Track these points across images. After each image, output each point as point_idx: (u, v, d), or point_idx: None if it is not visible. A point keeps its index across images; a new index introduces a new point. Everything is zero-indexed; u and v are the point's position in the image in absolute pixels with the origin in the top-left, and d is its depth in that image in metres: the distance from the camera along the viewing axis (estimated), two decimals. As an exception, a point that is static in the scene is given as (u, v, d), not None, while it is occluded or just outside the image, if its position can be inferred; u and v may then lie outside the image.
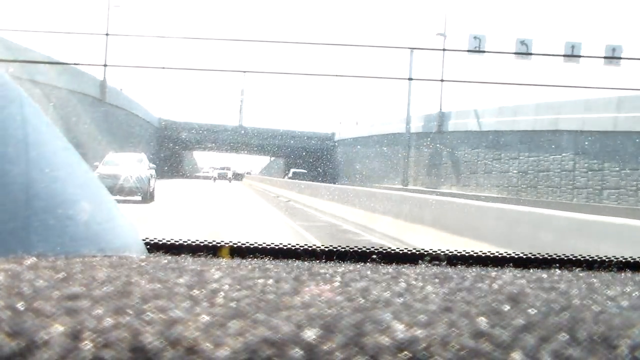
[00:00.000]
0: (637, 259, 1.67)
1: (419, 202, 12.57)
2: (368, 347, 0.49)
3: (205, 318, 0.53)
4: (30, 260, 0.78)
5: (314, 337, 0.51)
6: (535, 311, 0.65)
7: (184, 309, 0.56)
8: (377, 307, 0.62)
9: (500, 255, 1.72)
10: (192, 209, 19.50)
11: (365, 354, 0.49)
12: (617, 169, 20.80)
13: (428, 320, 0.57)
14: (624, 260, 1.66)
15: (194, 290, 0.66)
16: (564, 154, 21.22)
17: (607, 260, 1.66)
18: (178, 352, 0.47)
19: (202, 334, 0.49)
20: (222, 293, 0.65)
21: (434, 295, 0.73)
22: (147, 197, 20.34)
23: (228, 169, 48.16)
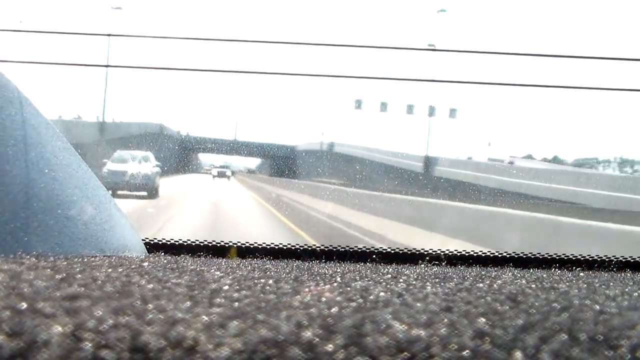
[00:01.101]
0: (637, 259, 1.66)
1: (301, 184, 26.42)
2: (368, 347, 0.49)
3: (205, 318, 0.53)
4: (30, 261, 0.78)
5: (314, 337, 0.51)
6: (535, 311, 0.65)
7: (183, 309, 0.56)
8: (377, 307, 0.62)
9: (500, 255, 1.72)
10: (196, 184, 33.71)
11: (365, 354, 0.49)
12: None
13: (428, 320, 0.57)
14: (624, 260, 1.66)
15: (194, 291, 0.66)
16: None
17: (607, 260, 1.66)
18: (178, 352, 0.47)
19: (202, 334, 0.49)
20: (222, 293, 0.65)
21: (434, 296, 0.72)
22: (153, 193, 20.66)
23: (227, 167, 48.99)
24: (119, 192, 19.21)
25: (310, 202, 19.44)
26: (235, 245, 1.70)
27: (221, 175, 44.57)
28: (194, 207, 19.76)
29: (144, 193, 20.34)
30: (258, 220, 16.70)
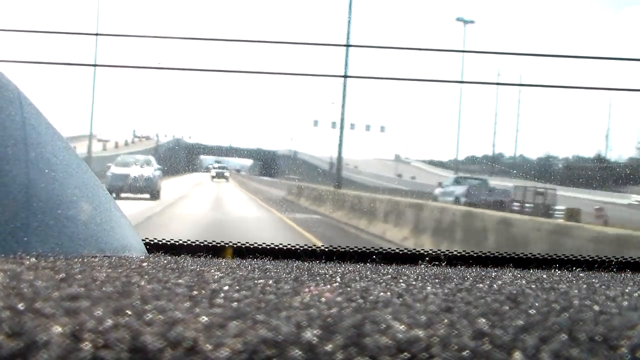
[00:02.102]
0: (637, 259, 1.66)
1: (265, 180, 42.20)
2: (368, 348, 0.49)
3: (205, 318, 0.53)
4: (30, 261, 0.78)
5: (314, 337, 0.51)
6: (535, 312, 0.65)
7: (184, 309, 0.56)
8: (377, 308, 0.62)
9: (500, 256, 1.72)
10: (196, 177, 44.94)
11: (365, 355, 0.49)
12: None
13: (428, 320, 0.57)
14: (624, 261, 1.66)
15: (194, 291, 0.66)
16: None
17: (607, 260, 1.66)
18: (178, 352, 0.47)
19: (202, 335, 0.49)
20: (222, 293, 0.65)
21: (434, 296, 0.72)
22: (155, 195, 21.86)
23: (226, 168, 52.24)
24: (122, 194, 20.65)
25: (272, 190, 31.96)
26: (232, 246, 1.70)
27: (219, 176, 46.23)
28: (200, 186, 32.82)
29: (147, 195, 21.54)
30: (241, 201, 26.82)
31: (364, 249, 1.71)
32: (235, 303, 0.60)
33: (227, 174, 48.73)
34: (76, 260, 0.86)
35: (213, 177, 47.08)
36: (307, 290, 0.72)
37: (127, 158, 25.13)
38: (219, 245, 1.70)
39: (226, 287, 0.69)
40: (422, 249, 1.72)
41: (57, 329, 0.49)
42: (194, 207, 20.46)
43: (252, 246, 1.70)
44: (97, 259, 0.92)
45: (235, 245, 1.70)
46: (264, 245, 1.72)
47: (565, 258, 1.68)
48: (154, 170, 22.78)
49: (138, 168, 22.66)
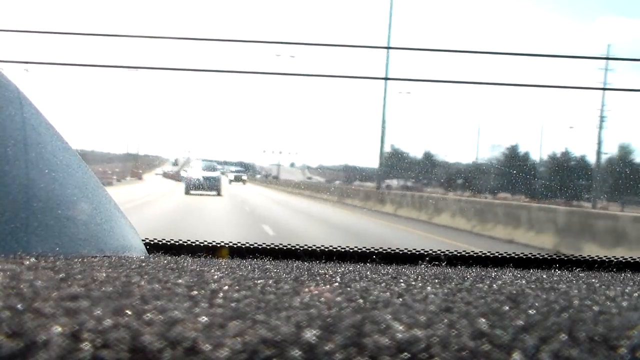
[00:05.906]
0: (637, 259, 1.67)
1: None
2: (368, 348, 0.49)
3: (205, 318, 0.53)
4: (30, 261, 0.78)
5: (314, 337, 0.51)
6: (535, 311, 0.65)
7: (183, 309, 0.56)
8: (377, 308, 0.62)
9: (500, 256, 1.72)
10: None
11: (365, 355, 0.49)
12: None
13: (428, 320, 0.57)
14: (624, 261, 1.66)
15: (194, 291, 0.66)
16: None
17: (607, 260, 1.66)
18: (178, 352, 0.47)
19: (202, 335, 0.49)
20: (221, 293, 0.65)
21: (434, 296, 0.72)
22: (219, 191, 30.71)
23: (244, 171, 60.78)
24: (192, 191, 29.23)
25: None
26: (232, 246, 1.70)
27: (237, 179, 53.85)
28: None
29: (214, 192, 30.14)
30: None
31: (363, 249, 1.71)
32: (235, 303, 0.60)
33: (244, 177, 55.84)
34: (76, 260, 0.86)
35: (231, 180, 54.47)
36: (307, 290, 0.72)
37: (197, 165, 36.25)
38: (218, 245, 1.70)
39: (226, 287, 0.69)
40: (422, 249, 1.72)
41: (57, 329, 0.49)
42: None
43: (252, 246, 1.70)
44: (97, 259, 0.92)
45: (235, 246, 1.70)
46: (264, 245, 1.72)
47: (565, 258, 1.68)
48: (218, 174, 32.70)
49: (207, 172, 31.93)
